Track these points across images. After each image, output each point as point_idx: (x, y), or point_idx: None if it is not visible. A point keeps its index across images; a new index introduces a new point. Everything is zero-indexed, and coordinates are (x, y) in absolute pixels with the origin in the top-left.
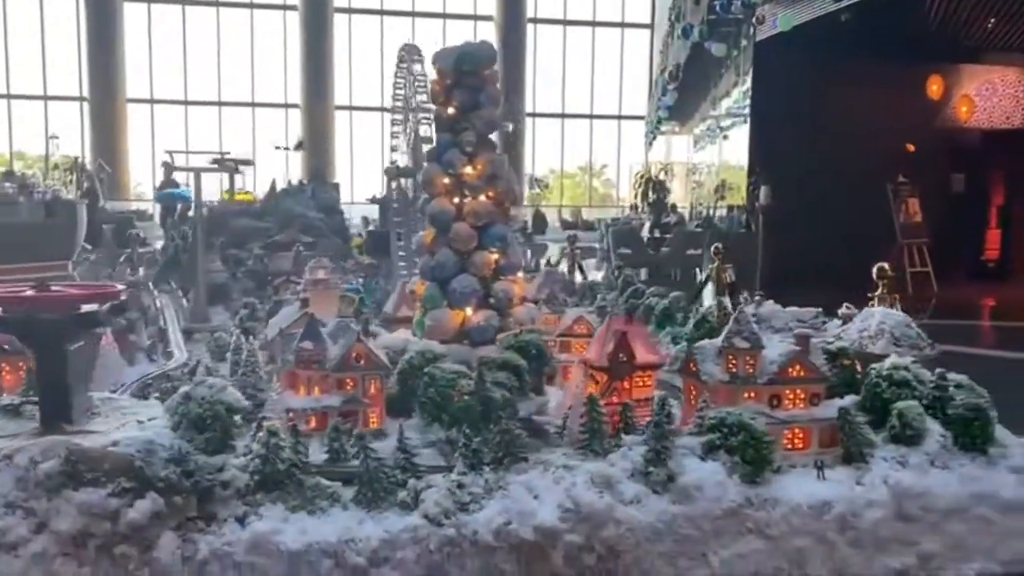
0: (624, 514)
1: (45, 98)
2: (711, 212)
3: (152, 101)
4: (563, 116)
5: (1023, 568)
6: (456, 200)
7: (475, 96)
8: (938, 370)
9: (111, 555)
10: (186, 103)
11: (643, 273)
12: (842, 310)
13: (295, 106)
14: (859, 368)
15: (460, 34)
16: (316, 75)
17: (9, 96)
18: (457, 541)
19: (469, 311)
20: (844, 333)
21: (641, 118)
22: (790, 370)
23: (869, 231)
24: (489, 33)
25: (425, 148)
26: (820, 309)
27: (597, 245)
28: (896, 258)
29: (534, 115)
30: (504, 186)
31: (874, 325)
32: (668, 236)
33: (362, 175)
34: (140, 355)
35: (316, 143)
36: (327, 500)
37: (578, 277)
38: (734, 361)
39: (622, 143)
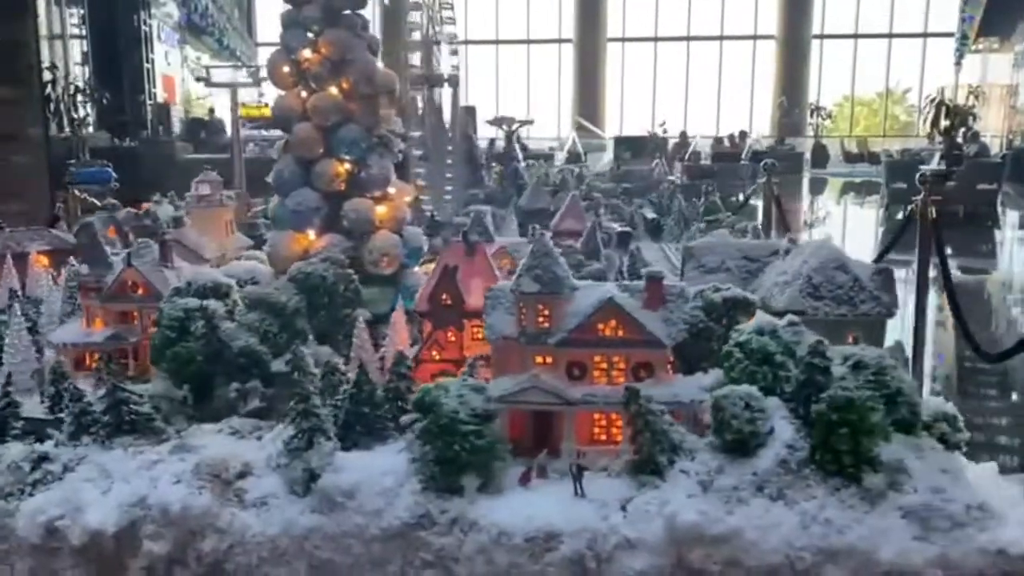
0: (235, 522)
1: (528, 42)
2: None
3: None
4: (856, 36)
5: None
6: (304, 95)
7: None
8: (815, 339)
9: None
10: (560, 41)
11: None
12: (784, 241)
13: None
14: None
15: None
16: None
17: (498, 42)
18: None
19: (311, 234)
20: (764, 276)
21: (951, 35)
22: (601, 327)
23: None
24: None
25: None
26: (790, 239)
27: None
28: None
29: (821, 36)
30: (360, 74)
31: (796, 265)
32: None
33: None
34: None
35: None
36: None
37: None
38: (524, 310)
39: (927, 64)
